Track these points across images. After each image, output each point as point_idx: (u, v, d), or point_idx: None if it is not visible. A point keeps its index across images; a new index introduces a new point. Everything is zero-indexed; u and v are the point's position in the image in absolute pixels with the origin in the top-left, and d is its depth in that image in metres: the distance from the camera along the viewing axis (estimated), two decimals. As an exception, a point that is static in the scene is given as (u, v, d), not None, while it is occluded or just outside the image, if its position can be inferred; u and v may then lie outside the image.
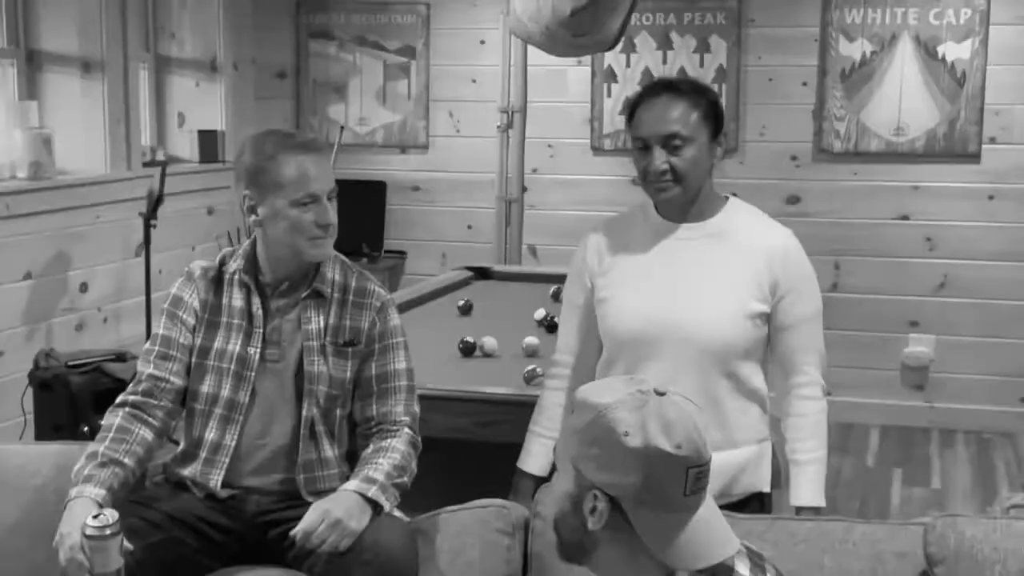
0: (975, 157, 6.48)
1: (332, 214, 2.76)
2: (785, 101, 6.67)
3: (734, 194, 3.03)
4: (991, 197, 6.49)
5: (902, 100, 6.51)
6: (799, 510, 2.87)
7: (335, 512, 2.52)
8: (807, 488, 2.89)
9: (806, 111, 6.65)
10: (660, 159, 2.83)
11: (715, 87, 3.18)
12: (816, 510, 2.87)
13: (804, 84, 6.64)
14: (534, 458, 3.07)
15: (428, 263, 7.14)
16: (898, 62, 6.49)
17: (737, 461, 2.90)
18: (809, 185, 6.68)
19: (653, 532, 1.79)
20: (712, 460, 2.79)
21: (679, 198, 2.88)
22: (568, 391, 3.09)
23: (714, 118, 2.88)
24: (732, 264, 2.87)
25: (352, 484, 2.61)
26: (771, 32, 6.66)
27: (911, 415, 6.67)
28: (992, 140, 6.45)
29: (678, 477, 1.75)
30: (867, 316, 6.66)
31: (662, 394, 1.80)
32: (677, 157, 2.82)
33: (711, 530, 1.79)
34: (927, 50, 6.45)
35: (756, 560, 1.87)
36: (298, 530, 2.52)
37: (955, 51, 6.42)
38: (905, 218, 6.60)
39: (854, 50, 6.54)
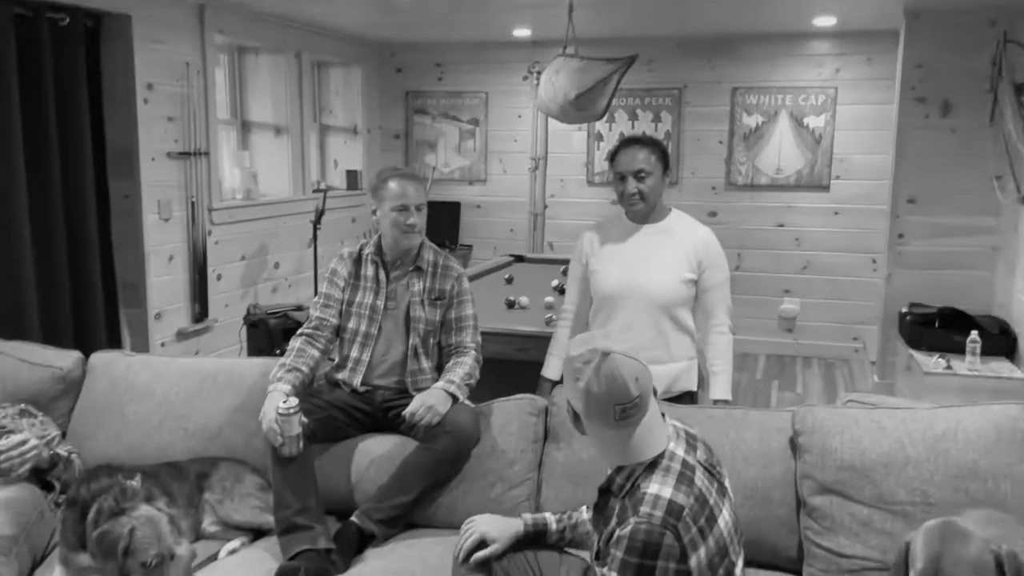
0: (827, 188, 6.37)
1: (415, 219, 2.71)
2: (708, 153, 6.59)
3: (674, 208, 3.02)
4: (836, 213, 6.40)
5: (781, 151, 6.41)
6: (715, 402, 2.86)
7: (429, 400, 2.54)
8: (720, 388, 2.89)
9: (721, 159, 6.57)
10: (632, 186, 2.82)
11: (665, 142, 3.14)
12: (726, 402, 2.86)
13: (720, 142, 6.56)
14: (551, 369, 3.07)
15: (485, 252, 7.12)
16: (779, 128, 6.39)
17: (675, 370, 2.90)
18: (723, 205, 6.60)
19: (599, 438, 1.79)
20: (660, 370, 2.81)
21: (643, 210, 2.87)
22: (571, 329, 3.08)
23: (664, 161, 2.87)
24: (673, 249, 2.86)
25: (440, 384, 2.62)
26: (699, 110, 6.57)
27: (784, 347, 6.61)
28: (837, 177, 6.35)
29: (608, 409, 1.73)
30: (758, 286, 6.60)
31: (607, 354, 1.75)
32: (643, 184, 2.82)
33: (639, 439, 1.75)
34: (797, 121, 6.35)
35: (690, 441, 1.84)
36: (408, 411, 2.54)
37: (815, 121, 6.31)
38: (782, 225, 6.52)
39: (751, 120, 6.44)
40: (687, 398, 2.96)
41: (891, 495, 2.12)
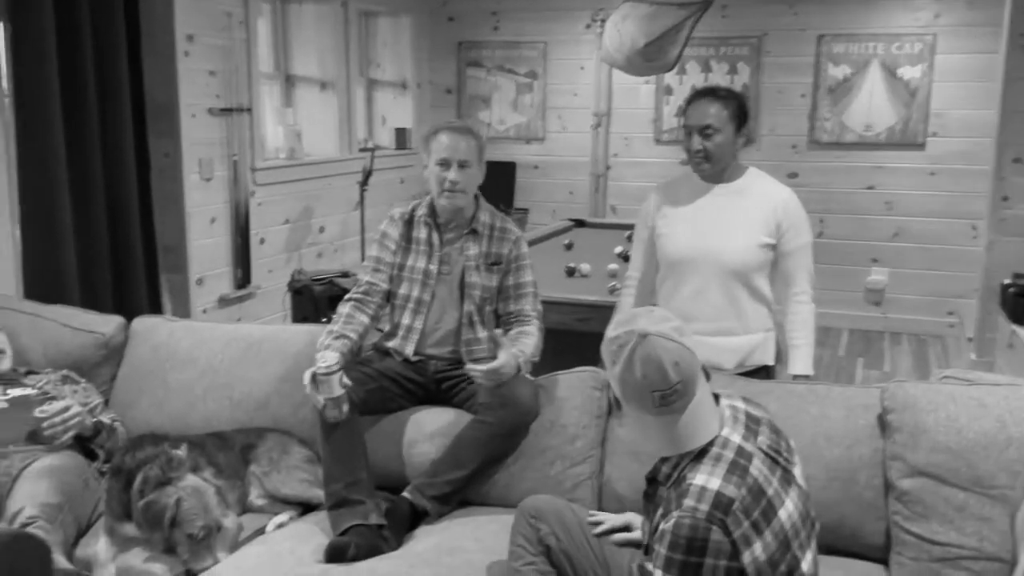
0: (921, 146, 6.21)
1: (456, 175, 2.68)
2: (789, 108, 6.46)
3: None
4: (932, 174, 6.24)
5: (871, 106, 6.26)
6: (795, 377, 2.83)
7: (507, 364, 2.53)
8: (801, 362, 2.85)
9: (803, 114, 6.44)
10: (697, 142, 2.80)
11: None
12: (807, 377, 2.83)
13: (802, 96, 6.43)
14: None
15: (543, 216, 7.11)
16: (869, 80, 6.23)
17: (751, 343, 2.87)
18: (805, 165, 6.48)
19: (640, 426, 1.78)
20: (734, 344, 2.79)
21: (709, 170, 2.85)
22: (636, 297, 3.07)
23: (740, 116, 2.82)
24: (749, 211, 2.83)
25: (514, 349, 2.59)
26: (780, 60, 6.43)
27: (871, 322, 6.49)
28: (934, 134, 6.18)
29: (645, 396, 1.72)
30: (842, 255, 6.49)
31: (645, 336, 1.72)
32: (709, 142, 2.78)
33: (683, 428, 1.73)
34: (890, 72, 6.18)
35: (751, 425, 1.80)
36: (488, 367, 2.48)
37: (910, 72, 6.14)
38: (871, 188, 6.38)
39: (838, 72, 6.29)
40: (763, 373, 2.93)
41: (990, 478, 2.09)
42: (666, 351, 1.72)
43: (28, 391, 2.81)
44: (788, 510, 1.72)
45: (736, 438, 1.75)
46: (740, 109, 2.82)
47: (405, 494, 2.51)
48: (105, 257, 4.30)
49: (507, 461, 2.56)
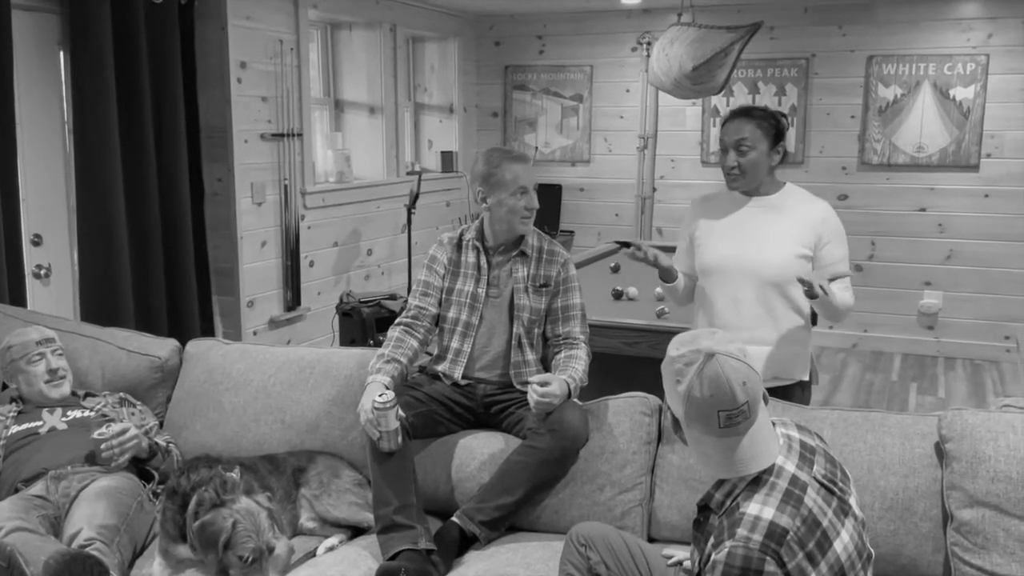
0: (975, 168, 6.11)
1: (535, 201, 2.78)
2: (838, 129, 6.40)
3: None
4: (986, 196, 6.12)
5: (923, 127, 6.17)
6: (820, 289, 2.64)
7: (555, 389, 2.53)
8: (838, 287, 2.73)
9: (853, 136, 6.37)
10: (731, 159, 2.82)
11: (790, 117, 3.06)
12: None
13: (852, 117, 6.36)
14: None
15: (588, 239, 7.12)
16: (920, 101, 6.15)
17: (786, 354, 2.85)
18: (855, 187, 6.40)
19: (700, 448, 1.75)
20: (768, 354, 2.75)
21: (743, 186, 2.88)
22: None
23: (774, 134, 2.83)
24: (786, 223, 2.83)
25: (564, 375, 2.60)
26: (829, 81, 6.38)
27: (924, 347, 6.37)
28: (988, 155, 6.07)
29: (711, 416, 1.69)
30: (895, 278, 6.38)
31: (712, 355, 1.71)
32: (743, 158, 2.80)
33: (744, 451, 1.70)
34: (942, 92, 6.09)
35: (806, 454, 1.78)
36: (543, 392, 2.48)
37: (963, 93, 6.05)
38: (923, 210, 6.28)
39: (888, 93, 6.22)
40: (798, 389, 2.90)
41: (1054, 512, 2.03)
42: (734, 370, 1.70)
43: (87, 413, 2.87)
44: (844, 541, 1.69)
45: (790, 467, 1.73)
46: (775, 127, 2.84)
47: (454, 519, 2.51)
48: (160, 280, 4.39)
49: (556, 487, 2.56)
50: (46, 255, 4.09)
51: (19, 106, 3.80)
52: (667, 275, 2.99)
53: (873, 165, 6.34)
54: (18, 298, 3.74)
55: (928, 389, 5.59)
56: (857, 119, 6.35)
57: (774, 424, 1.81)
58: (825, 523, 1.67)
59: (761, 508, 1.65)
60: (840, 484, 1.77)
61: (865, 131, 6.32)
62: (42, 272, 4.05)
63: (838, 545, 1.67)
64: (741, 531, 1.63)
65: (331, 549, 2.52)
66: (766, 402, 1.78)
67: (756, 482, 1.70)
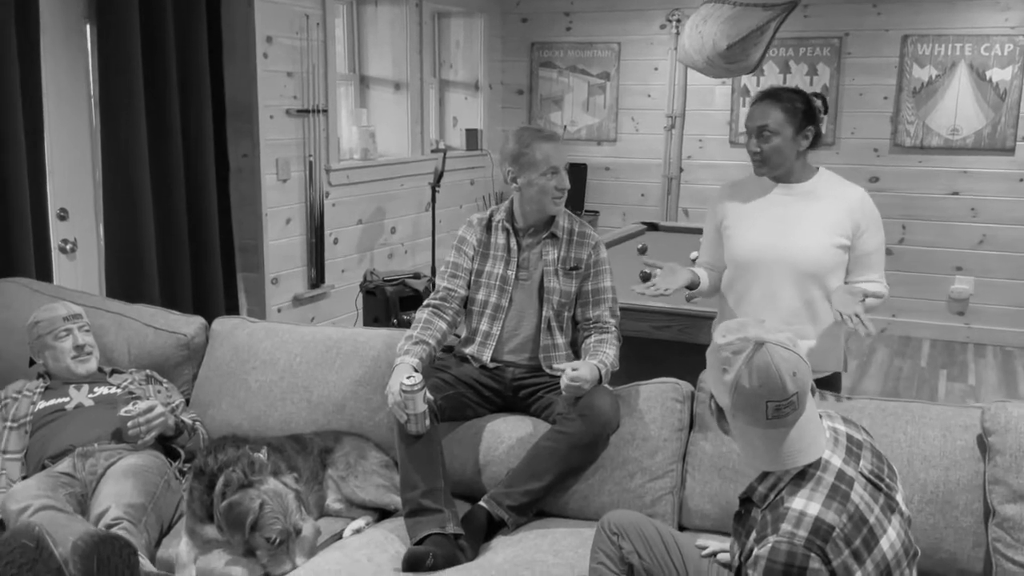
0: (1011, 151, 5.97)
1: (566, 181, 2.72)
2: (871, 110, 6.28)
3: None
4: (1021, 180, 5.99)
5: (957, 109, 6.04)
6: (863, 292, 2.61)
7: (586, 374, 2.50)
8: (873, 286, 2.68)
9: (886, 117, 6.25)
10: (753, 144, 2.71)
11: (822, 97, 2.93)
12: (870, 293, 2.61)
13: (885, 98, 6.24)
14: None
15: (613, 219, 7.05)
16: (955, 82, 6.02)
17: (824, 347, 2.76)
18: (886, 169, 6.29)
19: (745, 439, 1.71)
20: (807, 346, 2.67)
21: (768, 172, 2.75)
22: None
23: (802, 117, 2.68)
24: (822, 212, 2.70)
25: (595, 360, 2.57)
26: (862, 61, 6.26)
27: (954, 332, 6.27)
28: (1024, 138, 5.97)
29: (759, 407, 1.65)
30: (925, 262, 6.28)
31: (761, 344, 1.66)
32: (766, 144, 2.68)
33: (792, 444, 1.66)
34: (978, 73, 5.96)
35: (852, 448, 1.73)
36: (573, 376, 2.46)
37: (999, 74, 5.91)
38: (956, 194, 6.16)
39: (923, 73, 6.09)
40: (836, 379, 2.83)
41: (1102, 509, 1.98)
42: (784, 360, 1.65)
43: (113, 390, 2.86)
44: (890, 539, 1.64)
45: (837, 461, 1.68)
46: (802, 110, 2.69)
47: (482, 504, 2.48)
48: (185, 255, 4.37)
49: (586, 473, 2.52)
50: (72, 230, 4.07)
51: (45, 80, 3.78)
52: (689, 287, 2.88)
53: (906, 147, 6.22)
54: (44, 273, 3.73)
55: (958, 376, 5.51)
56: (890, 100, 6.23)
57: (820, 416, 1.76)
58: (872, 520, 1.62)
59: (806, 503, 1.61)
60: (887, 480, 1.72)
61: (898, 112, 6.20)
62: (68, 247, 4.04)
63: (884, 543, 1.63)
64: (785, 526, 1.58)
65: (358, 531, 2.50)
66: (813, 393, 1.73)
67: (801, 476, 1.65)
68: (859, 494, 1.64)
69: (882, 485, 1.70)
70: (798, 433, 1.66)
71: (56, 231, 3.97)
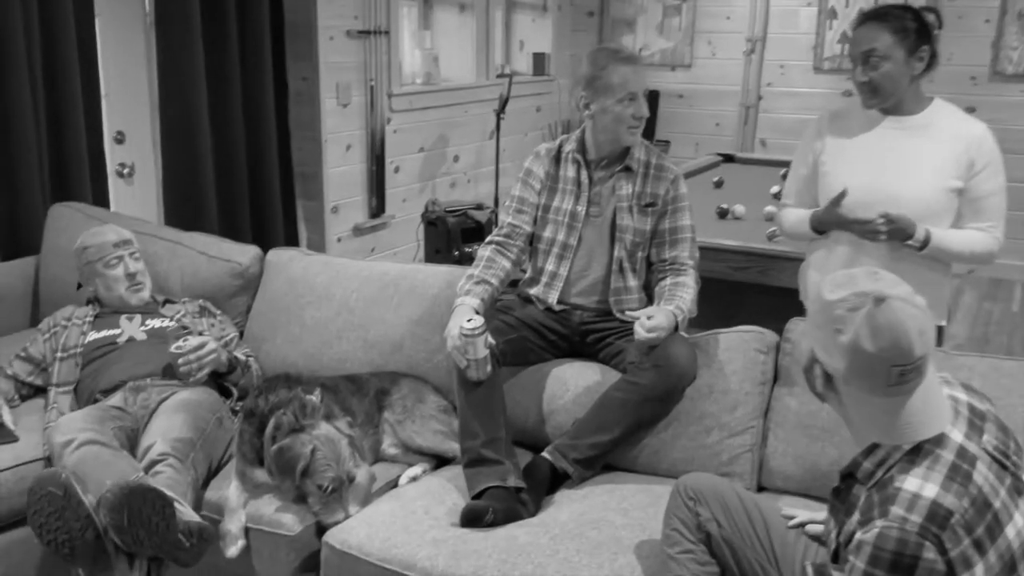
0: (1124, 80, 5.51)
1: (645, 109, 2.48)
2: (969, 35, 5.83)
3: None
4: None
5: (1069, 34, 5.57)
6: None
7: (662, 321, 2.30)
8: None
9: (986, 42, 5.80)
10: (859, 73, 2.42)
11: (938, 15, 2.56)
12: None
13: (987, 21, 5.78)
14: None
15: (685, 150, 6.75)
16: (1067, 4, 5.54)
17: (928, 301, 2.50)
18: (984, 99, 5.86)
19: (857, 408, 1.49)
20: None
21: (878, 104, 2.45)
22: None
23: (915, 37, 2.37)
24: (935, 149, 2.42)
25: (671, 306, 2.36)
26: (964, -20, 5.81)
27: (1049, 276, 5.91)
28: None
29: (881, 372, 1.43)
30: (1021, 200, 5.87)
31: (882, 299, 1.43)
32: (874, 72, 2.39)
33: (912, 415, 1.45)
34: (1094, -6, 5.47)
35: (975, 420, 1.51)
36: (650, 327, 2.27)
37: (1118, -5, 5.42)
38: (1059, 127, 5.73)
39: (1032, -6, 5.62)
40: (937, 333, 2.57)
41: None
42: (911, 318, 1.43)
43: (166, 323, 2.76)
44: (1017, 526, 1.43)
45: (958, 436, 1.47)
46: (914, 28, 2.38)
47: (545, 455, 2.33)
48: (243, 183, 4.25)
49: (658, 427, 2.35)
50: (129, 154, 3.97)
51: (98, 1, 3.64)
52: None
53: (1007, 75, 5.77)
54: (101, 198, 3.64)
55: (1052, 323, 5.18)
56: (992, 23, 5.76)
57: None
58: (997, 504, 1.41)
59: (922, 484, 1.40)
60: (1013, 458, 1.50)
61: (1000, 37, 5.73)
62: (125, 171, 3.95)
63: (1011, 531, 1.42)
64: (896, 510, 1.38)
65: (414, 479, 2.38)
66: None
67: (915, 451, 1.44)
68: (983, 474, 1.43)
69: (1008, 464, 1.47)
70: (920, 401, 1.45)
71: (113, 155, 3.88)
